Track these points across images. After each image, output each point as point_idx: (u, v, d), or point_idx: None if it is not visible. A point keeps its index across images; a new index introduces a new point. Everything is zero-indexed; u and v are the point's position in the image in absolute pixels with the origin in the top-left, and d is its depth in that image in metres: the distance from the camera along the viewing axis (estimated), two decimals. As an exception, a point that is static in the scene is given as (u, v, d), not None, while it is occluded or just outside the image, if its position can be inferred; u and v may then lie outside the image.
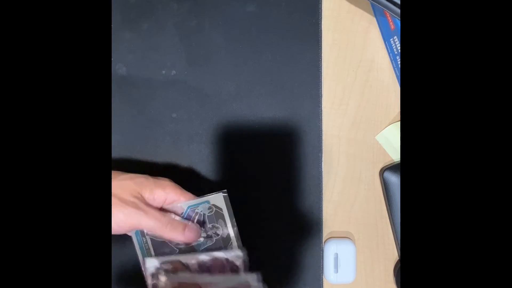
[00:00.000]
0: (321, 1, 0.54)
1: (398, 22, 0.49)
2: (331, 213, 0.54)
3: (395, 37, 0.51)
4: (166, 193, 0.41)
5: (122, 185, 0.41)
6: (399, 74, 0.53)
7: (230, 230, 0.42)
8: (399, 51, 0.52)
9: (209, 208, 0.42)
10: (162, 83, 0.52)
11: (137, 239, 0.42)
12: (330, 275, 0.53)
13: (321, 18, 0.54)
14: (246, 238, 0.51)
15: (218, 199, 0.42)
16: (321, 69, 0.53)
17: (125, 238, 0.44)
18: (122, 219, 0.39)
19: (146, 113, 0.52)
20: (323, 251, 0.53)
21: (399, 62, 0.52)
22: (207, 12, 0.53)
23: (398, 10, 0.44)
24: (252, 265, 0.51)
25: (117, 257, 0.50)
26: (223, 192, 0.42)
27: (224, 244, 0.42)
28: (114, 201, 0.39)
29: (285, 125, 0.53)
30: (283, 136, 0.53)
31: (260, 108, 0.53)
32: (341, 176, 0.54)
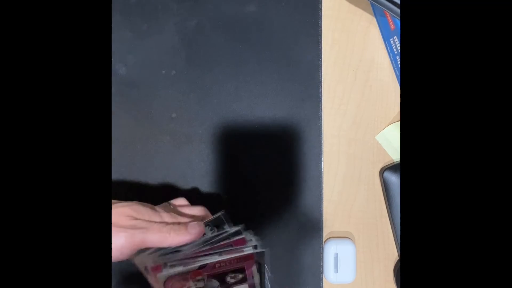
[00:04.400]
0: (321, 1, 0.54)
1: (398, 22, 0.49)
2: (331, 213, 0.54)
3: (395, 37, 0.51)
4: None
5: (118, 212, 0.40)
6: (399, 74, 0.53)
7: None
8: (399, 51, 0.52)
9: (211, 229, 0.43)
10: (162, 83, 0.52)
11: None
12: (330, 275, 0.53)
13: (321, 18, 0.54)
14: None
15: (218, 220, 0.43)
16: (321, 69, 0.53)
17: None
18: (123, 243, 0.37)
19: (146, 113, 0.52)
20: (323, 251, 0.53)
21: (399, 62, 0.52)
22: (207, 12, 0.53)
23: (398, 10, 0.44)
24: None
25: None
26: (222, 212, 0.43)
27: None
28: (112, 229, 0.37)
29: (285, 125, 0.53)
30: (283, 136, 0.53)
31: (260, 108, 0.53)
32: (341, 176, 0.54)
